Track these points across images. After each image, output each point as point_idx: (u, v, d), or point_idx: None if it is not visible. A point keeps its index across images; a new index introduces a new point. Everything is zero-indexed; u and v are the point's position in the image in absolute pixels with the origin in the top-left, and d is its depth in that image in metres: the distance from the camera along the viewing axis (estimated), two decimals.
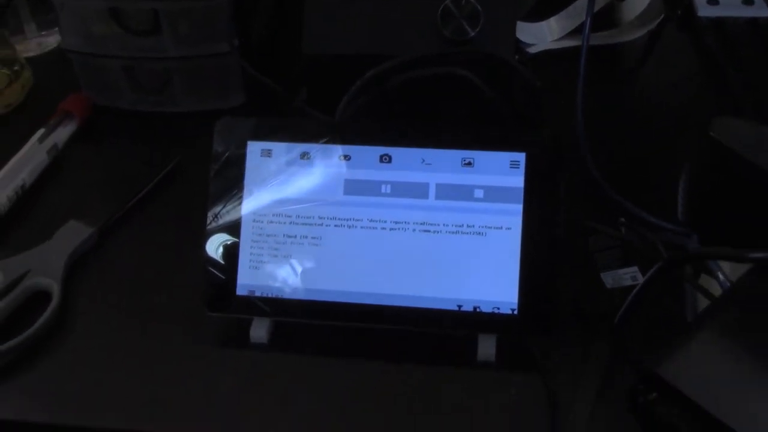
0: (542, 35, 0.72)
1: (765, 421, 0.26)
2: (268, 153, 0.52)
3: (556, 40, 0.73)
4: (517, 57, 0.68)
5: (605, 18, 0.75)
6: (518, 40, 0.71)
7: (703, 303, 0.48)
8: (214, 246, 0.51)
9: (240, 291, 0.51)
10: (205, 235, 0.51)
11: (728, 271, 0.42)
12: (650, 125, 0.66)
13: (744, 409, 0.27)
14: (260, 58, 0.69)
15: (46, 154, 0.64)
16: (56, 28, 0.78)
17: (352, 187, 0.51)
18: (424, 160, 0.50)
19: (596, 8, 0.74)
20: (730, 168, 0.33)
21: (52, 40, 0.80)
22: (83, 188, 0.64)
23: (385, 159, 0.50)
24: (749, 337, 0.29)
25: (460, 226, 0.49)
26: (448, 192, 0.50)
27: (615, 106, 0.69)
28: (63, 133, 0.67)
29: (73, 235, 0.57)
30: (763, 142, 0.32)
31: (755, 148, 0.32)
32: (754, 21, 0.52)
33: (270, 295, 0.51)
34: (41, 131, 0.66)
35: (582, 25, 0.70)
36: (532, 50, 0.72)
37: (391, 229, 0.50)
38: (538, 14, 0.72)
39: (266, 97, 0.68)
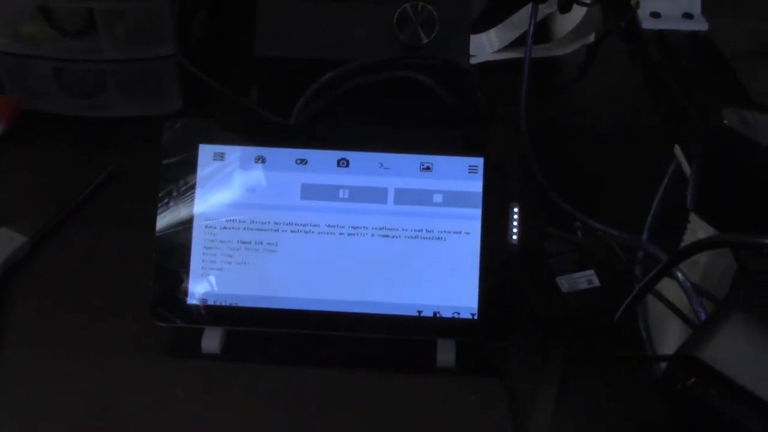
0: (482, 47, 0.73)
1: None
2: (220, 156, 0.50)
3: (495, 52, 0.74)
4: None
5: (540, 32, 0.77)
6: None
7: (654, 304, 0.49)
8: (164, 253, 0.49)
9: (191, 300, 0.49)
10: (154, 242, 0.49)
11: (687, 270, 0.43)
12: (591, 135, 0.68)
13: None
14: (200, 62, 0.67)
15: None
16: None
17: (309, 192, 0.50)
18: (382, 165, 0.50)
19: (538, 18, 0.76)
20: (744, 155, 0.34)
21: None
22: (12, 195, 0.60)
23: (343, 163, 0.50)
24: None
25: (419, 231, 0.49)
26: (406, 197, 0.49)
27: (555, 117, 0.70)
28: None
29: (4, 243, 0.54)
30: None
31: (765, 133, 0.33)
32: (694, 34, 0.54)
33: (223, 304, 0.49)
34: None
35: (520, 38, 0.72)
36: (472, 61, 0.72)
37: (349, 234, 0.49)
38: (477, 26, 0.73)
39: (204, 102, 0.66)
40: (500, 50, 0.74)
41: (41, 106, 0.67)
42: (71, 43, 0.64)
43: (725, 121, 0.35)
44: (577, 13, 0.74)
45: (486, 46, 0.74)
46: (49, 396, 0.47)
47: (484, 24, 0.72)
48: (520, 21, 0.73)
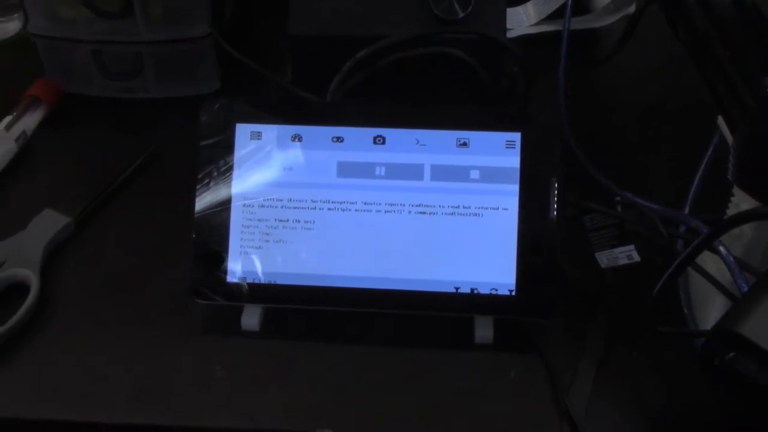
0: (519, 20, 0.72)
1: None
2: (257, 135, 0.50)
3: (533, 25, 0.73)
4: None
5: (579, 4, 0.76)
6: None
7: (697, 279, 0.48)
8: (203, 233, 0.50)
9: (230, 278, 0.49)
10: (193, 222, 0.50)
11: (730, 244, 0.42)
12: (630, 109, 0.67)
13: None
14: (234, 42, 0.68)
15: (14, 142, 0.62)
16: (16, 15, 0.75)
17: (346, 170, 0.50)
18: (418, 141, 0.49)
19: None
20: None
21: (12, 27, 0.76)
22: (56, 176, 0.61)
23: (379, 140, 0.50)
24: None
25: (456, 207, 0.49)
26: (443, 173, 0.49)
27: (594, 90, 0.69)
28: (31, 120, 0.64)
29: (48, 224, 0.55)
30: None
31: None
32: (739, 2, 0.52)
33: (262, 282, 0.49)
34: (8, 119, 0.63)
35: (558, 10, 0.71)
36: (510, 35, 0.71)
37: (386, 211, 0.49)
38: None
39: (241, 83, 0.66)
40: (538, 23, 0.73)
41: (81, 88, 0.68)
42: (109, 25, 0.65)
43: None
44: None
45: (524, 18, 0.73)
46: (92, 373, 0.48)
47: None
48: None
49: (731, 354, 0.29)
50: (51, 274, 0.53)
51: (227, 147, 0.50)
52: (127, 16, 0.64)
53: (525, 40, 0.73)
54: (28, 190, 0.60)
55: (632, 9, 0.73)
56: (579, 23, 0.74)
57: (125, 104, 0.68)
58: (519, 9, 0.73)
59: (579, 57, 0.71)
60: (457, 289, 0.49)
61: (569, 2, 0.61)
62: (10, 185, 0.60)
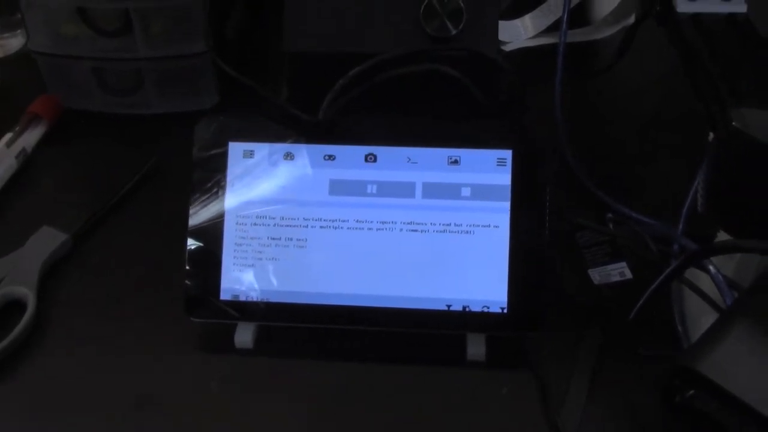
0: (517, 33, 0.72)
1: None
2: (250, 154, 0.51)
3: (531, 38, 0.73)
4: None
5: (579, 15, 0.76)
6: None
7: (689, 295, 0.48)
8: (196, 250, 0.50)
9: (224, 296, 0.50)
10: (187, 239, 0.50)
11: (718, 264, 0.42)
12: (628, 121, 0.66)
13: None
14: (234, 58, 0.68)
15: (14, 159, 0.62)
16: (19, 30, 0.76)
17: (338, 188, 0.50)
18: (410, 159, 0.50)
19: (572, 4, 0.75)
20: (754, 157, 0.33)
21: (15, 43, 0.77)
22: (55, 193, 0.62)
23: (371, 158, 0.50)
24: None
25: (447, 225, 0.49)
26: (435, 191, 0.49)
27: (592, 103, 0.69)
28: (32, 137, 0.65)
29: (46, 241, 0.56)
30: None
31: None
32: (732, 17, 0.52)
33: (255, 299, 0.50)
34: (8, 135, 0.64)
35: (556, 23, 0.71)
36: (508, 48, 0.72)
37: (378, 229, 0.49)
38: (512, 12, 0.72)
39: (241, 97, 0.66)
40: (536, 36, 0.73)
41: (82, 104, 0.69)
42: (109, 43, 0.66)
43: (734, 123, 0.34)
44: None
45: (521, 32, 0.73)
46: (87, 389, 0.48)
47: (518, 10, 0.71)
48: (555, 6, 0.72)
49: (691, 391, 0.28)
50: (48, 290, 0.54)
51: (220, 165, 0.50)
52: (126, 34, 0.65)
53: (524, 52, 0.73)
54: (27, 206, 0.60)
55: (631, 21, 0.73)
56: (577, 35, 0.74)
57: (126, 119, 0.69)
58: (517, 22, 0.73)
59: (577, 69, 0.72)
60: (449, 306, 0.49)
61: (565, 16, 0.61)
62: (10, 202, 0.61)
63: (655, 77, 0.70)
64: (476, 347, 0.49)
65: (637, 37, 0.68)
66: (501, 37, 0.71)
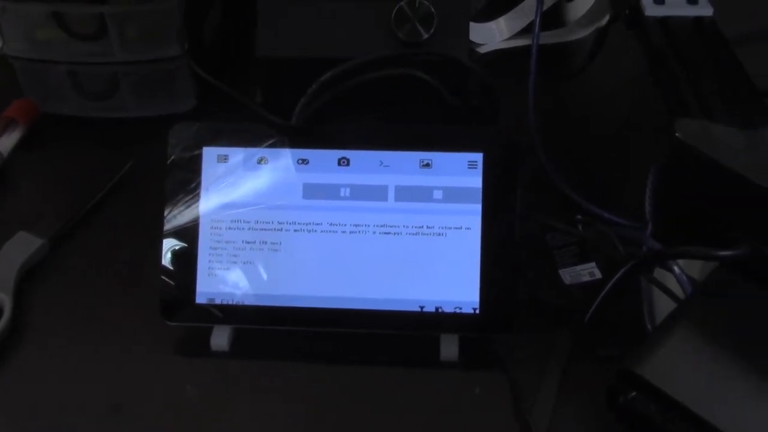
0: (492, 35, 0.73)
1: (743, 416, 0.27)
2: (224, 158, 0.51)
3: (505, 40, 0.74)
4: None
5: (553, 17, 0.76)
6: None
7: (659, 295, 0.49)
8: (172, 254, 0.50)
9: (199, 299, 0.50)
10: (162, 244, 0.50)
11: (684, 265, 0.43)
12: (601, 122, 0.67)
13: (722, 405, 0.27)
14: (212, 62, 0.69)
15: None
16: None
17: (311, 191, 0.50)
18: (382, 163, 0.50)
19: (544, 7, 0.76)
20: (695, 168, 0.34)
21: None
22: (32, 197, 0.62)
23: (344, 162, 0.50)
24: (722, 333, 0.30)
25: (420, 227, 0.50)
26: (407, 194, 0.50)
27: (566, 104, 0.70)
28: (8, 142, 0.65)
29: (23, 246, 0.56)
30: (726, 142, 0.33)
31: (718, 147, 0.33)
32: (698, 20, 0.53)
33: (230, 303, 0.50)
34: None
35: (531, 24, 0.72)
36: (482, 50, 0.72)
37: (351, 232, 0.50)
38: (487, 14, 0.73)
39: (218, 101, 0.67)
40: (511, 38, 0.74)
41: (58, 108, 0.69)
42: (85, 47, 0.66)
43: (677, 134, 0.35)
44: None
45: (496, 34, 0.74)
46: (64, 394, 0.49)
47: (492, 12, 0.72)
48: (530, 8, 0.72)
49: (633, 394, 0.29)
50: (25, 295, 0.54)
51: (195, 170, 0.51)
52: (102, 38, 0.65)
53: (499, 54, 0.74)
54: (3, 211, 0.60)
55: (604, 22, 0.75)
56: (551, 37, 0.75)
57: (103, 123, 0.69)
58: (491, 24, 0.74)
59: (552, 70, 0.72)
60: (422, 308, 0.49)
61: (537, 20, 0.62)
62: None
63: (630, 79, 0.71)
64: (449, 348, 0.50)
65: (614, 40, 0.69)
66: (476, 39, 0.73)
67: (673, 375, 0.28)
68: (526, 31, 0.73)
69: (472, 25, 0.71)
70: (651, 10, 0.55)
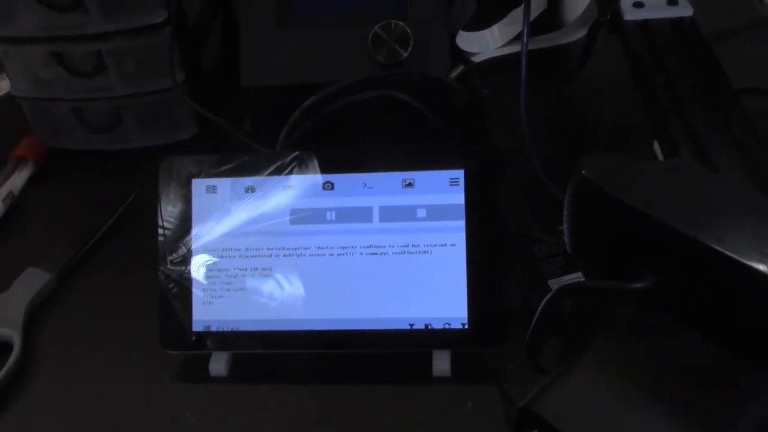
0: (486, 43, 0.73)
1: None
2: (213, 189, 0.52)
3: (500, 47, 0.74)
4: (462, 67, 0.69)
5: (550, 20, 0.76)
6: (462, 50, 0.72)
7: None
8: (167, 284, 0.52)
9: (196, 327, 0.52)
10: (157, 275, 0.52)
11: None
12: (596, 126, 0.67)
13: None
14: (211, 90, 0.70)
15: (1, 203, 0.65)
16: (5, 74, 0.78)
17: (298, 217, 0.51)
18: (365, 185, 0.51)
19: (539, 11, 0.76)
20: (600, 204, 0.34)
21: (4, 85, 0.80)
22: (41, 233, 0.64)
23: (328, 186, 0.51)
24: (626, 369, 0.30)
25: (405, 246, 0.50)
26: (391, 214, 0.51)
27: (562, 109, 0.70)
28: (18, 180, 0.67)
29: (31, 282, 0.58)
30: (634, 179, 0.33)
31: (625, 185, 0.33)
32: (678, 21, 0.53)
33: (226, 329, 0.51)
34: None
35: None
36: (477, 59, 0.73)
37: (338, 254, 0.51)
38: (480, 23, 0.73)
39: (218, 127, 0.68)
40: (505, 45, 0.74)
41: (65, 143, 0.71)
42: (86, 83, 0.68)
43: (583, 171, 0.35)
44: None
45: (490, 42, 0.74)
46: (73, 425, 0.51)
47: (482, 22, 0.72)
48: (521, 15, 0.72)
49: (535, 431, 0.30)
50: (34, 330, 0.56)
51: (185, 202, 0.52)
52: (101, 74, 0.67)
53: (495, 62, 0.74)
54: (13, 248, 0.63)
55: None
56: (546, 41, 0.75)
57: (108, 155, 0.71)
58: (485, 33, 0.74)
59: (549, 74, 0.72)
60: (411, 325, 0.50)
61: (525, 29, 0.62)
62: None
63: (623, 82, 0.70)
64: (441, 364, 0.50)
65: (610, 41, 0.68)
66: (470, 48, 0.73)
67: (571, 414, 0.29)
68: (520, 37, 0.73)
69: (465, 35, 0.72)
70: (630, 14, 0.54)
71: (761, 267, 0.27)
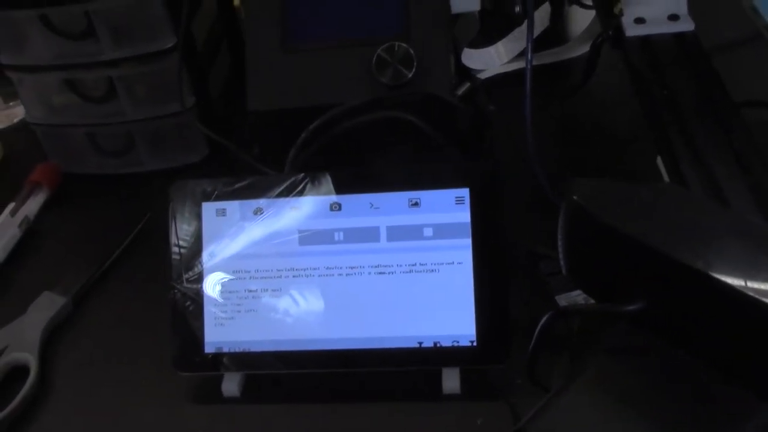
0: (491, 60, 0.74)
1: None
2: (222, 212, 0.53)
3: (505, 64, 0.74)
4: (469, 84, 0.70)
5: (554, 35, 0.77)
6: (468, 68, 0.73)
7: None
8: (179, 307, 0.53)
9: (208, 349, 0.52)
10: (169, 298, 0.53)
11: None
12: (602, 140, 0.67)
13: None
14: (221, 112, 0.71)
15: (17, 228, 0.66)
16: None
17: (307, 238, 0.52)
18: (372, 205, 0.52)
19: (543, 26, 0.76)
20: (593, 230, 0.35)
21: (19, 111, 0.81)
22: (56, 257, 0.66)
23: (335, 207, 0.52)
24: (620, 389, 0.30)
25: (413, 265, 0.51)
26: (398, 233, 0.51)
27: (567, 123, 0.70)
28: (33, 205, 0.69)
29: (47, 306, 0.59)
30: (624, 204, 0.34)
31: (615, 210, 0.33)
32: (680, 36, 0.53)
33: (238, 350, 0.52)
34: (11, 205, 0.67)
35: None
36: (483, 75, 0.73)
37: (347, 274, 0.51)
38: (485, 40, 0.74)
39: (229, 149, 0.69)
40: (510, 61, 0.75)
41: (80, 168, 0.72)
42: (98, 109, 0.69)
43: (574, 197, 0.35)
44: (589, 13, 0.74)
45: (495, 58, 0.74)
46: None
47: (486, 39, 0.73)
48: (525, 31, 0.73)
49: None
50: (50, 353, 0.57)
51: (196, 225, 0.53)
52: (113, 99, 0.68)
53: (501, 78, 0.74)
54: (29, 272, 0.64)
55: (598, 41, 0.74)
56: (550, 56, 0.75)
57: (122, 179, 0.72)
58: (490, 49, 0.75)
59: (553, 89, 0.73)
60: (420, 343, 0.51)
61: (529, 45, 0.62)
62: (13, 270, 0.64)
63: (628, 96, 0.70)
64: (451, 381, 0.51)
65: (614, 58, 0.69)
66: (476, 65, 0.74)
67: None
68: (524, 53, 0.73)
69: (470, 52, 0.73)
70: (632, 30, 0.55)
71: (749, 291, 0.28)
